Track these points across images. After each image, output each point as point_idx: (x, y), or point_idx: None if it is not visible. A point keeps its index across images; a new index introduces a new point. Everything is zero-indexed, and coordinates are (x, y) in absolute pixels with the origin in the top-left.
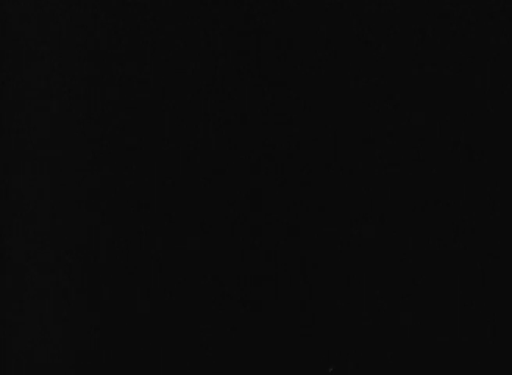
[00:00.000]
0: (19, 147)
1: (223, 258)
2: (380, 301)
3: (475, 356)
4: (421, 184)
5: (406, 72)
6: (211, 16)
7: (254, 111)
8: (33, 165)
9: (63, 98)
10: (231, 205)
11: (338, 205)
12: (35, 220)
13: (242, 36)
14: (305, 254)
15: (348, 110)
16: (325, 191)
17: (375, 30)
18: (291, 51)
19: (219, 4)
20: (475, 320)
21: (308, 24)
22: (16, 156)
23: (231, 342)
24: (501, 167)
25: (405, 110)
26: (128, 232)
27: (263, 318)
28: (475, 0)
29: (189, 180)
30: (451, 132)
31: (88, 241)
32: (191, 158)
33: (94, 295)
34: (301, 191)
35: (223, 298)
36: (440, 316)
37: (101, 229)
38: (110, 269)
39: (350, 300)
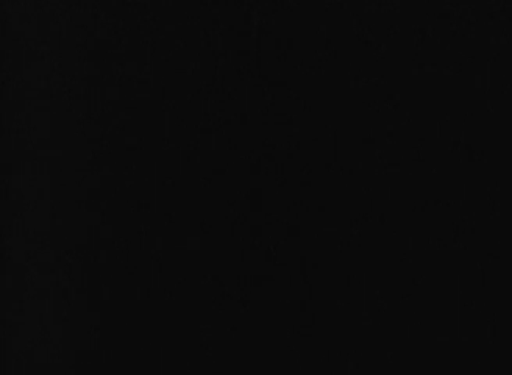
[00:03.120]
0: (19, 147)
1: (223, 258)
2: (380, 301)
3: (475, 356)
4: (421, 184)
5: (406, 72)
6: (211, 16)
7: (254, 111)
8: (33, 165)
9: (63, 98)
10: (231, 205)
11: (338, 205)
12: (35, 220)
13: (242, 36)
14: (305, 254)
15: (348, 110)
16: (325, 191)
17: (375, 30)
18: (291, 51)
19: (219, 4)
20: (475, 320)
21: (308, 24)
22: (16, 156)
23: (231, 342)
24: (501, 167)
25: (405, 110)
26: (128, 232)
27: (263, 318)
28: (475, 0)
29: (189, 180)
30: (451, 132)
31: (88, 241)
32: (191, 158)
33: (94, 295)
34: (301, 190)
35: (223, 298)
36: (440, 316)
37: (101, 229)
38: (110, 269)
39: (350, 300)
